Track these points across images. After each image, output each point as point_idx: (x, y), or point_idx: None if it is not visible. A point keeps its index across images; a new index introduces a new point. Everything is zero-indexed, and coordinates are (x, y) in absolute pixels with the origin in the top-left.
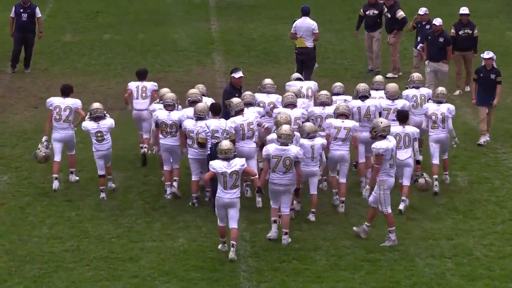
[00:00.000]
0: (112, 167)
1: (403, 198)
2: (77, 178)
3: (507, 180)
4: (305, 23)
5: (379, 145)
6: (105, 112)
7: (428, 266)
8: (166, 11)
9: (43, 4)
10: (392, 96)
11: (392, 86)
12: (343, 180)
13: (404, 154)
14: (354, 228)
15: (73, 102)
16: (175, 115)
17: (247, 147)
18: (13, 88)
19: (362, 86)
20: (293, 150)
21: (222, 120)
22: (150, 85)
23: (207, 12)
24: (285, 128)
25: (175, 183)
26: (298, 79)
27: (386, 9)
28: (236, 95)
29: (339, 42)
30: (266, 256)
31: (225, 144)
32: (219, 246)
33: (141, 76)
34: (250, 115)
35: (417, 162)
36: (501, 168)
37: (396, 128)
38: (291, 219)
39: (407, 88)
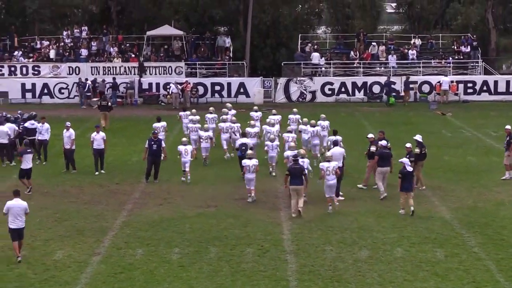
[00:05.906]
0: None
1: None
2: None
3: (470, 255)
4: (337, 150)
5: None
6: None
7: None
8: None
9: (167, 137)
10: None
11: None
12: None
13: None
14: None
15: (163, 124)
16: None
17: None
18: (146, 192)
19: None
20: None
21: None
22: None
23: None
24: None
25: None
26: None
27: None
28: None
29: (357, 163)
30: None
31: (250, 152)
32: (248, 200)
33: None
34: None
35: None
36: (466, 247)
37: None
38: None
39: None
